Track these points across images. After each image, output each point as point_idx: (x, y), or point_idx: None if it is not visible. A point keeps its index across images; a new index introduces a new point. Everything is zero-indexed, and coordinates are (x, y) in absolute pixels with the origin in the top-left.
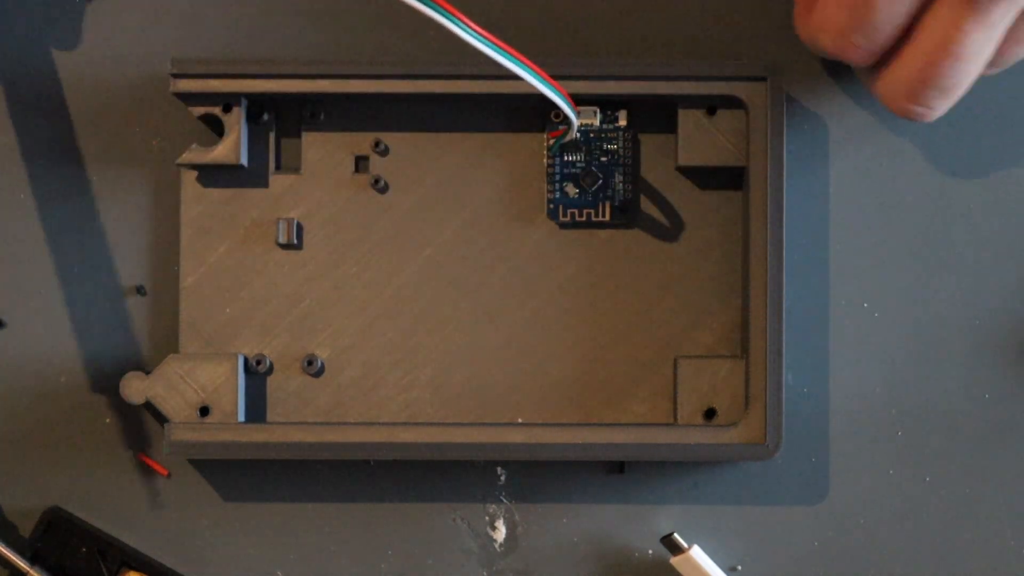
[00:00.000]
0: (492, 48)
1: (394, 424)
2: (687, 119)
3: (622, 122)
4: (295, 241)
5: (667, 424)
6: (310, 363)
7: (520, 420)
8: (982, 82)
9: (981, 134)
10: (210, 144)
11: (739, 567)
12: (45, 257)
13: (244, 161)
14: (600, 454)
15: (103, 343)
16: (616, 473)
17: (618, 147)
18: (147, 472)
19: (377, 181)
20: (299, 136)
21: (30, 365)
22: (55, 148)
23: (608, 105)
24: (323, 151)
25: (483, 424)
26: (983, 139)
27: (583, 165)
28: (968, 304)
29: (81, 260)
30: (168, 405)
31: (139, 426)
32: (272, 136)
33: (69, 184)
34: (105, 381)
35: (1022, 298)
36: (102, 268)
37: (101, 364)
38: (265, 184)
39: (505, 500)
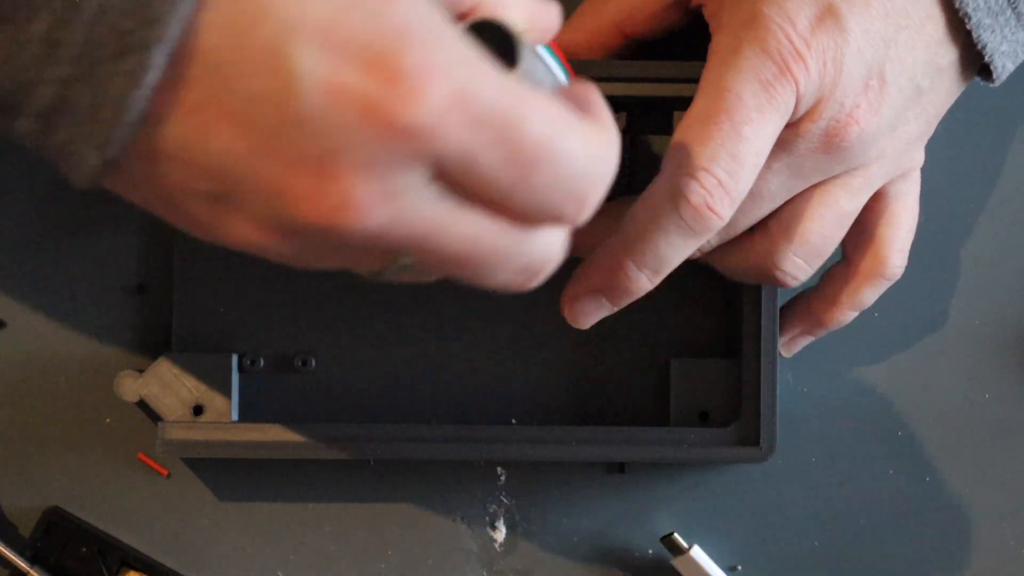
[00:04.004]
0: None
1: (389, 424)
2: None
3: (621, 124)
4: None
5: (661, 426)
6: (304, 362)
7: (514, 421)
8: (982, 84)
9: (981, 134)
10: None
11: (739, 567)
12: (44, 257)
13: None
14: (594, 455)
15: (103, 343)
16: (616, 473)
17: None
18: (147, 472)
19: None
20: None
21: (30, 365)
22: None
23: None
24: None
25: (478, 424)
26: (983, 139)
27: None
28: (968, 304)
29: (80, 260)
30: (162, 404)
31: (139, 426)
32: None
33: (67, 184)
34: (105, 381)
35: (1022, 298)
36: (101, 267)
37: (101, 364)
38: None
39: (505, 500)
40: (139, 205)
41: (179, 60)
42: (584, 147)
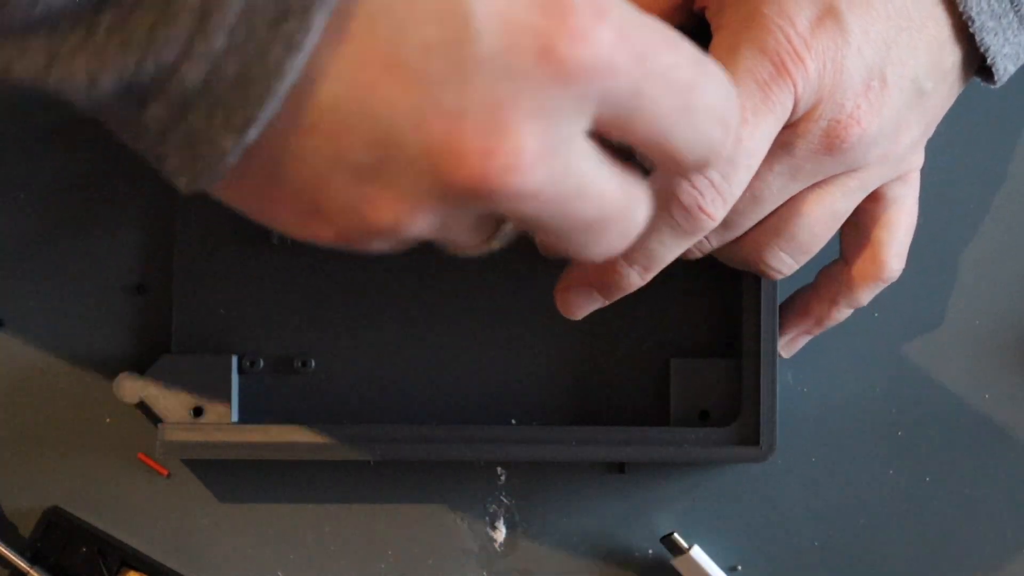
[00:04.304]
0: None
1: (388, 424)
2: None
3: None
4: (289, 241)
5: (661, 425)
6: (304, 364)
7: (514, 421)
8: (982, 85)
9: (981, 134)
10: None
11: (739, 567)
12: (44, 257)
13: None
14: (594, 455)
15: (103, 343)
16: (616, 473)
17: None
18: (147, 472)
19: None
20: None
21: (30, 365)
22: (53, 147)
23: None
24: None
25: (478, 424)
26: (983, 139)
27: None
28: (968, 304)
29: (80, 260)
30: (161, 405)
31: (139, 426)
32: None
33: (67, 183)
34: (104, 381)
35: (1022, 298)
36: (101, 267)
37: (101, 364)
38: None
39: (505, 500)
40: (251, 215)
41: (341, 15)
42: (719, 69)
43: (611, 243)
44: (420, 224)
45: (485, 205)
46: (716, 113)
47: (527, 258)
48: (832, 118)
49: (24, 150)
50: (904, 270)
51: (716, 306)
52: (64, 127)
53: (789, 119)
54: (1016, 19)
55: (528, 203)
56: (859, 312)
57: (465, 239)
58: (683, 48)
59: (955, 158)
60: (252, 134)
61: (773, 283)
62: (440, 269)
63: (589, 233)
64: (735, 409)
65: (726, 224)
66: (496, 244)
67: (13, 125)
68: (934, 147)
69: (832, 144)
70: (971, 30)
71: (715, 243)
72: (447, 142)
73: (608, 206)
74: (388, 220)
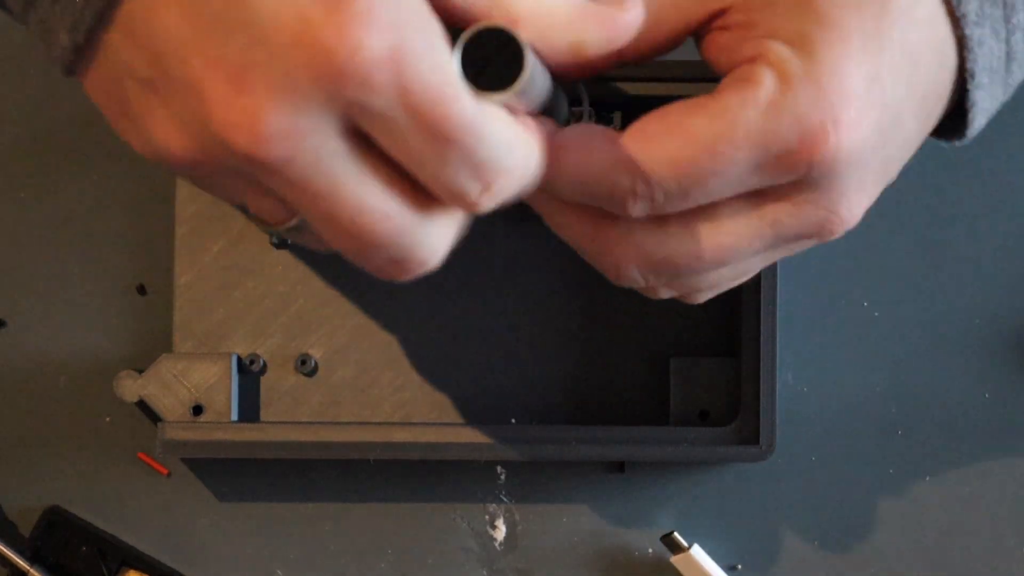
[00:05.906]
0: None
1: (387, 424)
2: None
3: (616, 124)
4: (289, 241)
5: (661, 425)
6: (303, 363)
7: (513, 420)
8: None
9: (981, 134)
10: None
11: (739, 566)
12: (44, 257)
13: None
14: (594, 455)
15: (103, 343)
16: (616, 473)
17: None
18: (147, 472)
19: None
20: None
21: (30, 365)
22: (54, 148)
23: (602, 107)
24: None
25: (476, 424)
26: (983, 139)
27: None
28: (968, 304)
29: (80, 260)
30: (161, 404)
31: (139, 426)
32: None
33: (67, 184)
34: (105, 381)
35: (1022, 298)
36: (101, 268)
37: (101, 364)
38: None
39: (505, 500)
40: (101, 109)
41: None
42: (508, 138)
43: (387, 266)
44: (193, 160)
45: (237, 161)
46: (476, 167)
47: (527, 259)
48: (834, 211)
49: (24, 150)
50: (904, 270)
51: (716, 306)
52: (64, 128)
53: (785, 193)
54: (1006, 75)
55: (274, 177)
56: (859, 312)
57: (254, 208)
58: (463, 103)
59: (955, 157)
60: (78, 37)
61: (773, 283)
62: (440, 269)
63: (353, 243)
64: (735, 409)
65: (682, 280)
66: (287, 232)
67: (13, 126)
68: (934, 146)
69: (822, 236)
70: (967, 87)
71: (675, 293)
72: (202, 81)
73: (369, 222)
74: (165, 144)
